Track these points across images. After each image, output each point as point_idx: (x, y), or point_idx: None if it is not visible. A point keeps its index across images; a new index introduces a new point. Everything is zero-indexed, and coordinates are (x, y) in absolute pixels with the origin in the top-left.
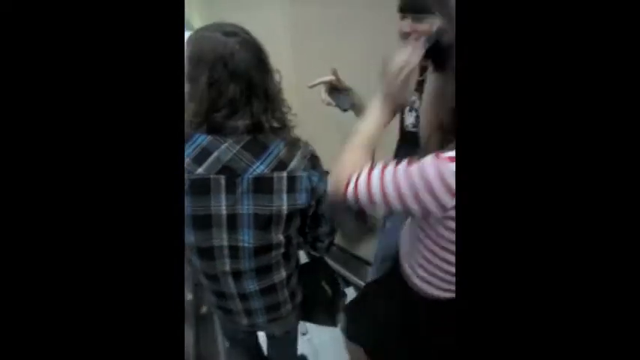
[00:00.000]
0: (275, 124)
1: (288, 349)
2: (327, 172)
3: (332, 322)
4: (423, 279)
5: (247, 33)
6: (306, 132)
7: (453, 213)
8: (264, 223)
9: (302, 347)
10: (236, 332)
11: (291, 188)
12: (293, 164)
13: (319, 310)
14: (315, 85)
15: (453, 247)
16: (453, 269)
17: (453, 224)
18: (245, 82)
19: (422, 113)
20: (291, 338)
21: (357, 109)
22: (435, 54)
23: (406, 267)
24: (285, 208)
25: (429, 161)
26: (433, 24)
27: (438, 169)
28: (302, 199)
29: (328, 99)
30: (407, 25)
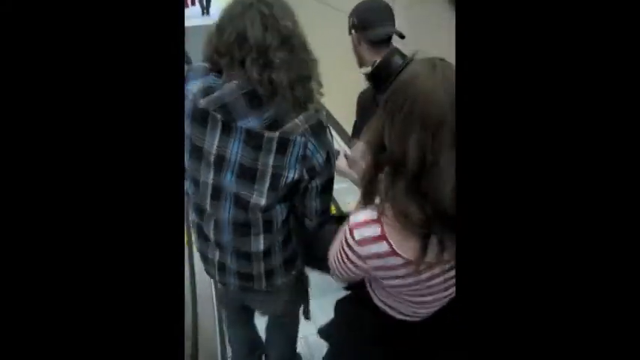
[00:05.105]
0: (283, 87)
1: (282, 337)
2: (330, 152)
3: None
4: (381, 302)
5: (268, 3)
6: None
7: (372, 264)
8: (246, 174)
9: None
10: (232, 307)
11: (281, 150)
12: (288, 126)
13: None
14: None
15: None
16: (403, 302)
17: (381, 273)
18: (246, 41)
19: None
20: (284, 326)
21: None
22: (375, 78)
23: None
24: (269, 169)
25: (340, 239)
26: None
27: (343, 246)
28: (291, 165)
29: None
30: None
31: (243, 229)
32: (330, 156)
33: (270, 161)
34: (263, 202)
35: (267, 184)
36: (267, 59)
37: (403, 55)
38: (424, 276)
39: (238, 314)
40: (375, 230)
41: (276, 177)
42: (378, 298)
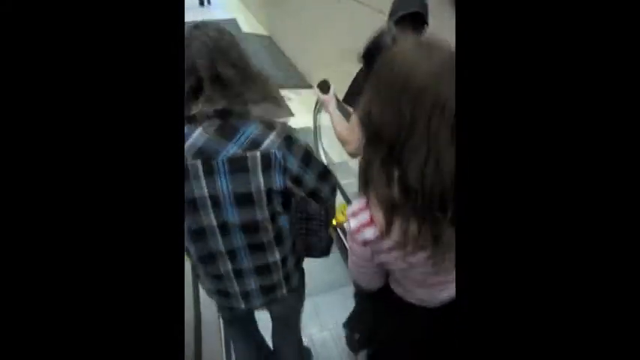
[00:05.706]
0: (246, 108)
1: (289, 335)
2: (305, 154)
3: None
4: (399, 287)
5: (212, 29)
6: None
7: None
8: (245, 200)
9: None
10: (233, 316)
11: (266, 166)
12: (266, 143)
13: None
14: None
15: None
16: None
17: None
18: (196, 73)
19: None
20: (291, 323)
21: None
22: (367, 58)
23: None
24: (262, 185)
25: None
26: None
27: (347, 238)
28: (277, 178)
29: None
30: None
31: (258, 250)
32: (310, 157)
33: (261, 178)
34: (267, 215)
35: (264, 200)
36: (225, 85)
37: (394, 36)
38: (428, 256)
39: (242, 329)
40: (365, 216)
41: (270, 191)
42: (396, 282)
